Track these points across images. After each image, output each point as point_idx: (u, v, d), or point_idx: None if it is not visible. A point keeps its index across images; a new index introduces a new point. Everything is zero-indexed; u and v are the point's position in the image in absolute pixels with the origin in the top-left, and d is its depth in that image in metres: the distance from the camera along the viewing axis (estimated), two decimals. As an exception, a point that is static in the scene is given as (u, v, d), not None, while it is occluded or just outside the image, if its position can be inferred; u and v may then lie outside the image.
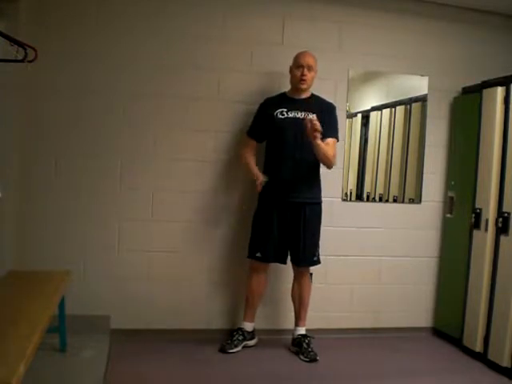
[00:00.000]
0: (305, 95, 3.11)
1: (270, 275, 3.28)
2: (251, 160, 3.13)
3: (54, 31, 3.01)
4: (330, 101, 3.18)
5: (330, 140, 3.03)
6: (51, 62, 2.97)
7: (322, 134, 2.85)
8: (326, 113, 3.07)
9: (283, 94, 3.17)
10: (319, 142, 2.87)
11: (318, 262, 3.15)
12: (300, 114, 3.04)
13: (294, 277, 3.20)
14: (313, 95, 3.14)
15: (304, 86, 3.05)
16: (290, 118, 3.05)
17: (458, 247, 3.43)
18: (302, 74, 3.01)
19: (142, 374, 2.70)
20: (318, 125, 2.78)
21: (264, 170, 3.11)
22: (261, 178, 2.99)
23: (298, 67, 3.02)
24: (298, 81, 3.04)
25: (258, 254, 3.07)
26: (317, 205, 3.12)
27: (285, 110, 3.06)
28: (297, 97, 3.10)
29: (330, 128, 3.06)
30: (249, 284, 3.16)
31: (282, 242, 3.08)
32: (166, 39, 3.18)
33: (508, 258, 2.98)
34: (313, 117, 2.90)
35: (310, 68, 3.02)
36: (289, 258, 3.16)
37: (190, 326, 3.29)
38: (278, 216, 3.05)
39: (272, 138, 3.10)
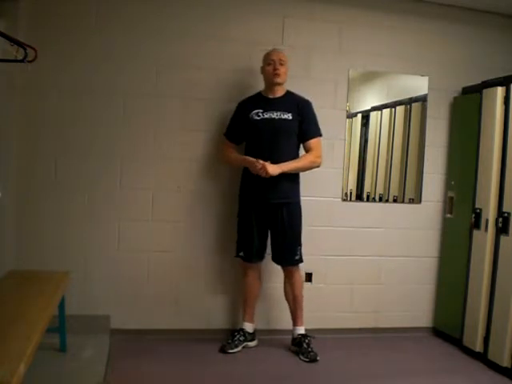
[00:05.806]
0: (280, 93, 3.06)
1: (271, 275, 3.29)
2: (237, 154, 3.08)
3: (54, 31, 3.02)
4: (307, 98, 3.12)
5: (312, 141, 3.04)
6: (51, 62, 2.97)
7: (301, 133, 3.01)
8: (303, 110, 3.04)
9: (259, 94, 3.13)
10: (284, 168, 2.90)
11: (300, 260, 3.11)
12: (275, 115, 3.01)
13: (285, 276, 3.17)
14: (288, 92, 3.10)
15: (278, 80, 3.00)
16: (266, 118, 3.01)
17: (458, 247, 3.43)
18: (275, 68, 2.97)
19: (142, 373, 2.71)
20: (265, 165, 2.83)
21: (243, 171, 3.10)
22: (261, 161, 2.88)
23: (269, 63, 2.99)
24: (271, 76, 2.99)
25: (241, 254, 3.10)
26: (295, 204, 3.08)
27: (260, 110, 3.02)
28: (271, 96, 3.06)
29: (311, 126, 3.06)
30: (242, 284, 3.18)
31: (263, 242, 3.10)
32: (166, 39, 3.18)
33: (508, 258, 2.98)
34: (288, 116, 2.97)
35: (281, 62, 2.98)
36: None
37: (190, 325, 3.30)
38: (257, 217, 3.05)
39: (249, 139, 3.08)
